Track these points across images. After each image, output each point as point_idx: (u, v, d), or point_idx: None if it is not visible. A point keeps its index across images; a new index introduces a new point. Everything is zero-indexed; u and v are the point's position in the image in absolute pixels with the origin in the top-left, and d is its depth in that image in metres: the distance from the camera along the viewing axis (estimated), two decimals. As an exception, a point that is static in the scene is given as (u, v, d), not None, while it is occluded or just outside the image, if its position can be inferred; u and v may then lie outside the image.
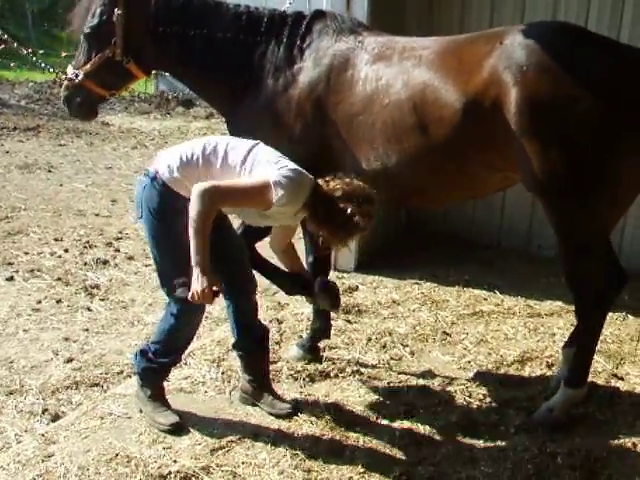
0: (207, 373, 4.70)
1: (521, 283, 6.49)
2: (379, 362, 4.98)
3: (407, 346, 5.26)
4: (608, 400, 4.59)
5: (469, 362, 5.06)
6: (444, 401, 4.51)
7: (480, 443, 4.09)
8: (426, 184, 4.31)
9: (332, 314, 5.04)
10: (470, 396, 4.56)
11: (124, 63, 4.52)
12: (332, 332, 5.10)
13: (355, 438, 4.05)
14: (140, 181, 3.88)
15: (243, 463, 3.81)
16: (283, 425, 4.14)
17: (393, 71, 4.13)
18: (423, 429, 4.18)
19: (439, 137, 3.98)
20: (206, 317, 5.53)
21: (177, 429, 4.06)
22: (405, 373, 4.85)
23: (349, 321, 5.63)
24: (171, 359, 4.16)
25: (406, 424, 4.23)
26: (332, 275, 6.43)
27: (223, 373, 4.71)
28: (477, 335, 5.51)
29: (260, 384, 4.32)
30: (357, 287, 6.37)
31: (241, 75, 4.48)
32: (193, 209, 3.53)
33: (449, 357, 5.15)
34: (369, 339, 5.31)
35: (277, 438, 4.01)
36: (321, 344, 5.02)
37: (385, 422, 4.24)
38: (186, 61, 4.58)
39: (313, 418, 4.21)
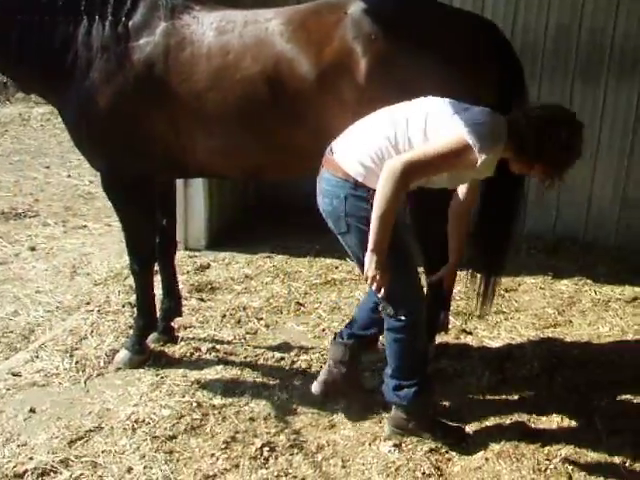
0: (60, 364, 4.56)
1: (370, 249, 6.62)
2: (235, 337, 4.98)
3: (262, 319, 5.29)
4: (458, 354, 4.80)
5: (324, 330, 5.15)
6: (301, 370, 4.58)
7: (338, 408, 4.17)
8: (283, 156, 4.28)
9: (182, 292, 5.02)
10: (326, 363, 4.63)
11: None
12: (186, 311, 5.06)
13: (215, 415, 4.05)
14: (331, 192, 3.61)
15: (103, 452, 3.73)
16: (141, 410, 4.08)
17: (241, 45, 4.04)
18: (282, 399, 4.24)
19: (295, 108, 3.98)
20: (57, 307, 5.38)
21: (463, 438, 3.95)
22: (261, 347, 4.87)
23: (202, 299, 5.60)
24: (421, 377, 3.84)
25: (265, 396, 4.26)
26: (183, 254, 6.40)
27: (77, 363, 4.59)
28: (330, 303, 5.61)
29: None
30: (209, 265, 6.34)
31: (66, 59, 4.18)
32: (382, 188, 3.28)
33: (304, 327, 5.22)
34: (224, 316, 5.31)
35: (136, 423, 3.95)
36: (175, 324, 4.97)
37: (245, 396, 4.25)
38: (3, 54, 4.25)
39: (171, 399, 4.17)
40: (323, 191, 3.68)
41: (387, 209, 3.30)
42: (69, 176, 9.21)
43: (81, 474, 3.57)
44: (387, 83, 3.83)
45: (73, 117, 4.23)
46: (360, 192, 3.52)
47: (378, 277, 3.37)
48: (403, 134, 3.47)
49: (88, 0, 4.19)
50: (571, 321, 5.50)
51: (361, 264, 3.56)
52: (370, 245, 3.37)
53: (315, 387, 4.11)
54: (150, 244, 4.61)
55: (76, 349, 4.75)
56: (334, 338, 4.16)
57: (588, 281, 6.26)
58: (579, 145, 3.38)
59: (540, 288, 6.13)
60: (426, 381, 3.86)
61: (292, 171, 4.80)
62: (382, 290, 3.41)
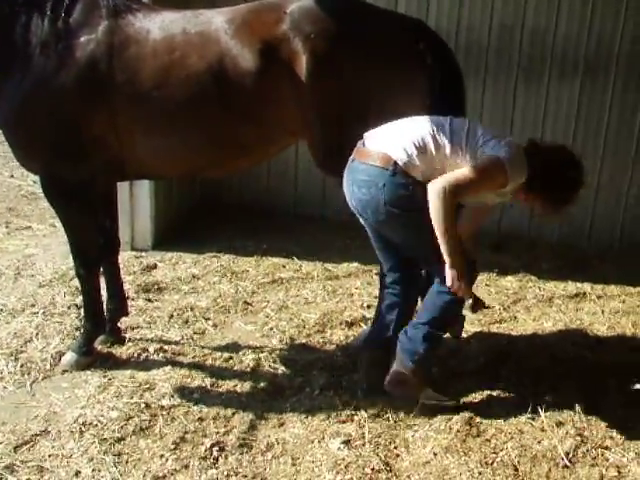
0: (5, 367, 4.48)
1: (318, 248, 6.65)
2: (182, 338, 4.95)
3: (209, 319, 5.27)
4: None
5: (271, 329, 5.15)
6: (250, 369, 4.57)
7: (287, 406, 4.19)
8: (227, 153, 4.32)
9: (127, 292, 4.99)
10: (275, 362, 4.65)
11: None
12: (133, 312, 5.01)
13: (164, 416, 4.02)
14: (369, 182, 3.69)
15: (50, 456, 3.68)
16: (89, 412, 4.03)
17: (186, 44, 4.06)
18: (231, 399, 4.23)
19: (240, 105, 4.04)
20: (1, 310, 5.28)
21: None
22: (209, 346, 4.85)
23: (150, 300, 5.55)
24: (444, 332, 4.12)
25: (213, 396, 4.25)
26: (129, 254, 6.35)
27: (22, 366, 4.51)
28: (278, 302, 5.62)
29: None
30: (156, 265, 6.28)
31: (2, 52, 4.07)
32: (436, 211, 3.49)
33: (252, 326, 5.21)
34: (171, 316, 5.27)
35: (84, 426, 3.90)
36: (122, 325, 4.93)
37: (193, 396, 4.23)
38: None
39: (119, 401, 4.13)
40: (358, 182, 3.76)
41: (447, 227, 3.52)
42: (12, 176, 9.03)
43: (27, 479, 3.53)
44: (326, 80, 3.95)
45: (7, 115, 4.13)
46: (399, 179, 3.66)
47: (462, 286, 3.64)
48: (445, 131, 3.70)
49: None
50: (516, 317, 5.59)
51: (414, 240, 3.84)
52: (447, 263, 3.60)
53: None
54: (94, 246, 4.54)
55: (21, 352, 4.67)
56: None
57: (532, 277, 6.39)
58: (581, 187, 3.76)
59: (485, 285, 6.21)
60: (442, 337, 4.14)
61: (234, 167, 4.83)
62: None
